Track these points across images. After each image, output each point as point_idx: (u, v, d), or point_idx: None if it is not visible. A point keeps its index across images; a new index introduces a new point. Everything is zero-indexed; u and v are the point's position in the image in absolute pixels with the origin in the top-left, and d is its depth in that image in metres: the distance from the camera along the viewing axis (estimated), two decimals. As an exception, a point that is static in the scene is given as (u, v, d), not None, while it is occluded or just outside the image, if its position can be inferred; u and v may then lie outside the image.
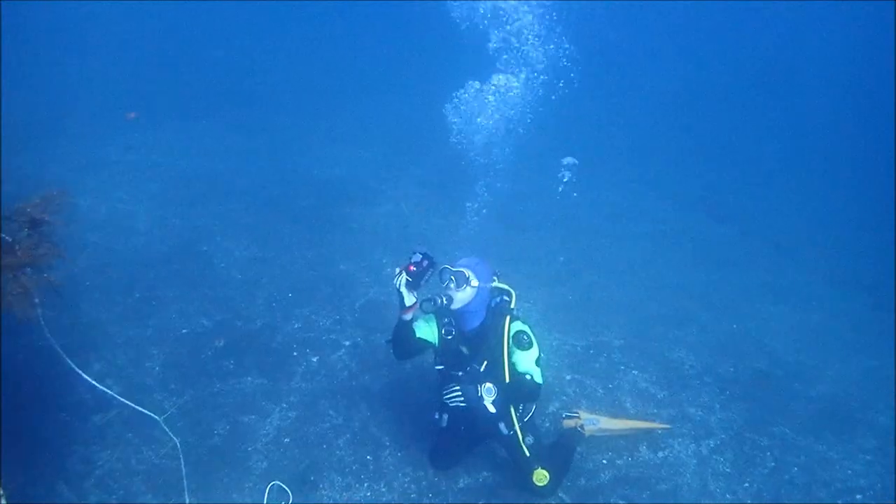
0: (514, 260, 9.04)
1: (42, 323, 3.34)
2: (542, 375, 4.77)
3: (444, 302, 4.69)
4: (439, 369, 5.07)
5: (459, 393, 4.87)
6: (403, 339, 4.88)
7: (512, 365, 4.76)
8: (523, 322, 4.89)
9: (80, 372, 3.95)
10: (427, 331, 5.01)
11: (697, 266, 9.85)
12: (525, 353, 4.73)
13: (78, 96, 12.42)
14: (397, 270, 4.65)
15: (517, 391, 4.77)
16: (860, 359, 7.83)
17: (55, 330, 6.25)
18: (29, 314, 2.99)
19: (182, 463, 4.71)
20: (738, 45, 20.05)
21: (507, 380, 4.78)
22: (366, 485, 5.33)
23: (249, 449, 5.53)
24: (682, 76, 17.39)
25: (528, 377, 4.70)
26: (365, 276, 8.08)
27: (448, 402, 4.94)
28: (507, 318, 4.81)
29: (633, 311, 8.12)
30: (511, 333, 4.77)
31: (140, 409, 4.38)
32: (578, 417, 5.78)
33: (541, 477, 4.94)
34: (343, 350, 6.78)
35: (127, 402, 4.37)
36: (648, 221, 11.30)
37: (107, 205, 9.08)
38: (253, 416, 5.87)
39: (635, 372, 6.89)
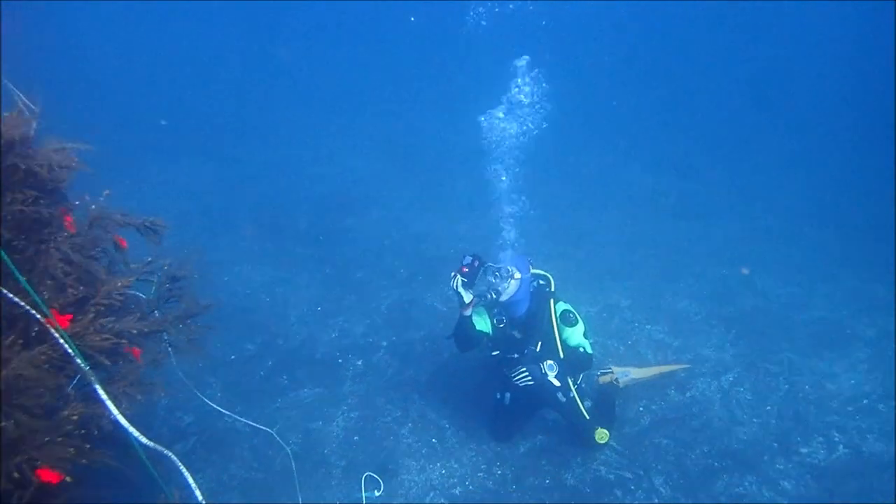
0: (513, 242, 9.64)
1: (175, 364, 3.84)
2: (591, 345, 5.44)
3: (494, 296, 5.31)
4: (495, 354, 5.67)
5: (527, 373, 5.47)
6: (466, 333, 5.48)
7: (564, 341, 5.42)
8: (565, 302, 5.54)
9: (212, 404, 4.44)
10: (482, 323, 5.63)
11: (679, 223, 10.58)
12: (573, 329, 5.41)
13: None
14: (452, 274, 5.25)
15: (574, 363, 5.45)
16: (843, 282, 8.63)
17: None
18: (199, 359, 3.50)
19: (294, 468, 5.22)
20: (715, 28, 20.67)
21: (562, 355, 5.42)
22: (438, 464, 5.89)
23: (326, 451, 6.04)
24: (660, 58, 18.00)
25: (580, 350, 5.36)
26: (382, 281, 8.61)
27: (518, 382, 5.53)
28: (551, 300, 5.45)
29: (633, 272, 8.80)
30: (558, 313, 5.43)
31: (255, 424, 4.90)
32: (612, 372, 6.41)
33: (602, 435, 5.61)
34: (382, 350, 7.31)
35: (246, 420, 4.87)
36: (624, 186, 12.01)
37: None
38: (320, 423, 6.37)
39: (648, 326, 7.57)
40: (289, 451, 5.23)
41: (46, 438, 2.52)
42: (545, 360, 5.44)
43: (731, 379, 6.74)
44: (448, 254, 9.28)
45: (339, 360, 7.18)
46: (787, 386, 6.65)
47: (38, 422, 2.49)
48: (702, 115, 15.72)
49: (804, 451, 5.86)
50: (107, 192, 3.11)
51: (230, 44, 19.43)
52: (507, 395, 5.81)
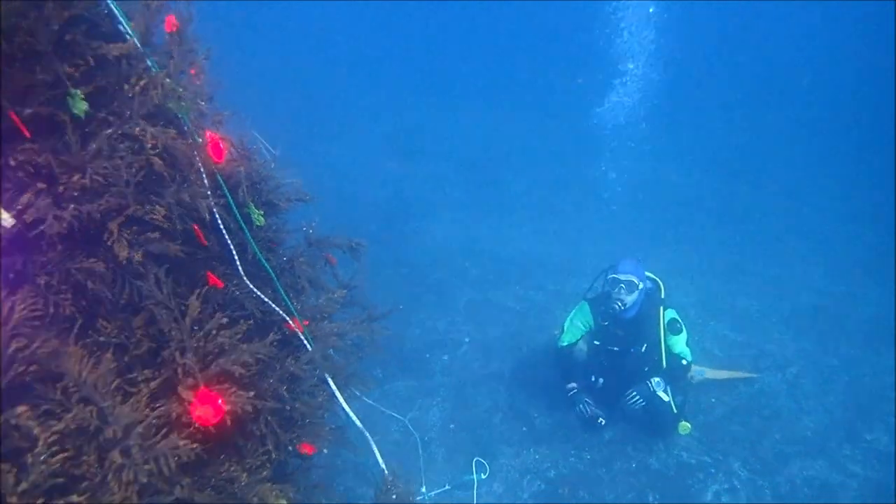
0: (573, 243, 10.21)
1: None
2: (692, 353, 5.96)
3: (622, 307, 5.84)
4: (596, 344, 6.23)
5: (637, 396, 6.02)
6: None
7: (668, 348, 5.94)
8: (673, 310, 6.05)
9: (358, 393, 5.02)
10: (578, 328, 6.22)
11: (728, 223, 11.08)
12: (678, 337, 5.94)
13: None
14: (572, 393, 6.18)
15: (675, 371, 5.98)
16: (888, 282, 9.10)
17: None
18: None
19: (420, 455, 5.82)
20: (743, 32, 20.85)
21: (665, 363, 5.98)
22: (532, 449, 6.47)
23: (426, 438, 6.63)
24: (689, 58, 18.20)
25: (682, 359, 5.90)
26: (456, 280, 9.18)
27: (632, 406, 6.06)
28: (661, 307, 5.97)
29: (690, 271, 9.31)
30: (666, 321, 5.94)
31: (389, 412, 5.49)
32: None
33: (685, 427, 6.14)
34: (465, 346, 7.89)
35: (383, 408, 5.46)
36: (669, 188, 12.51)
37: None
38: (417, 412, 6.96)
39: (713, 323, 8.10)
40: (417, 439, 5.81)
41: (307, 420, 3.13)
42: (652, 378, 5.98)
43: (794, 372, 7.26)
44: (514, 255, 9.87)
45: (427, 355, 7.75)
46: (847, 378, 7.16)
47: (306, 405, 3.10)
48: (745, 114, 16.12)
49: (868, 437, 6.38)
50: (316, 220, 3.71)
51: (293, 47, 19.89)
52: (601, 379, 6.32)
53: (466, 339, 7.98)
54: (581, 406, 6.13)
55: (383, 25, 21.96)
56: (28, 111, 2.11)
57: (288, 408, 2.93)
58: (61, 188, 2.21)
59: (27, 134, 2.07)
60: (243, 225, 2.84)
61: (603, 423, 6.17)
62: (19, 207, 2.15)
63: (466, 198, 11.86)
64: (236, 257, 2.86)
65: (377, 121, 15.51)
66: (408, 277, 9.32)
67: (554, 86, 17.23)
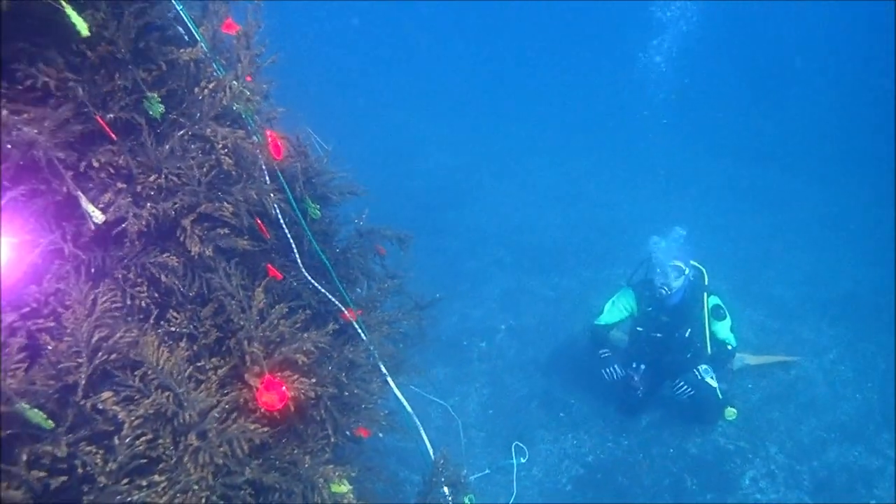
0: (605, 231, 10.25)
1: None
2: (736, 338, 5.99)
3: (667, 292, 5.88)
4: (639, 331, 6.28)
5: (685, 385, 6.05)
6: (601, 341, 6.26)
7: (713, 334, 5.98)
8: (716, 296, 6.08)
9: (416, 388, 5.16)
10: (619, 311, 6.26)
11: (761, 210, 11.02)
12: (722, 323, 5.97)
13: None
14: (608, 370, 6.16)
15: (720, 357, 6.02)
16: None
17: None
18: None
19: (462, 439, 5.95)
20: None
21: (709, 349, 6.00)
22: (569, 435, 6.58)
23: (465, 423, 6.75)
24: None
25: (726, 345, 5.94)
26: (492, 269, 9.29)
27: (680, 395, 6.11)
28: (705, 294, 6.01)
29: (727, 259, 9.29)
30: (710, 307, 5.98)
31: (433, 398, 5.63)
32: (728, 356, 6.96)
33: (731, 412, 6.18)
34: (502, 333, 8.00)
35: (426, 394, 5.60)
36: (704, 176, 12.45)
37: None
38: (456, 398, 7.09)
39: (749, 311, 8.10)
40: (460, 423, 5.95)
41: (363, 405, 3.27)
42: (699, 366, 5.99)
43: (831, 358, 7.27)
44: (548, 244, 9.94)
45: (464, 342, 7.88)
46: (884, 365, 7.15)
47: (364, 391, 3.24)
48: (778, 100, 15.93)
49: (908, 423, 6.39)
50: (366, 210, 3.83)
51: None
52: (642, 366, 6.37)
53: (502, 327, 8.09)
54: (609, 369, 6.18)
55: (421, 26, 22.07)
56: (110, 116, 2.25)
57: (346, 393, 3.06)
58: (139, 187, 2.34)
59: (113, 137, 2.21)
60: (301, 219, 2.96)
61: (637, 382, 6.23)
62: (101, 206, 2.29)
63: (498, 188, 11.93)
64: (295, 250, 2.98)
65: (408, 113, 15.59)
66: (443, 266, 9.44)
67: (584, 78, 17.22)
